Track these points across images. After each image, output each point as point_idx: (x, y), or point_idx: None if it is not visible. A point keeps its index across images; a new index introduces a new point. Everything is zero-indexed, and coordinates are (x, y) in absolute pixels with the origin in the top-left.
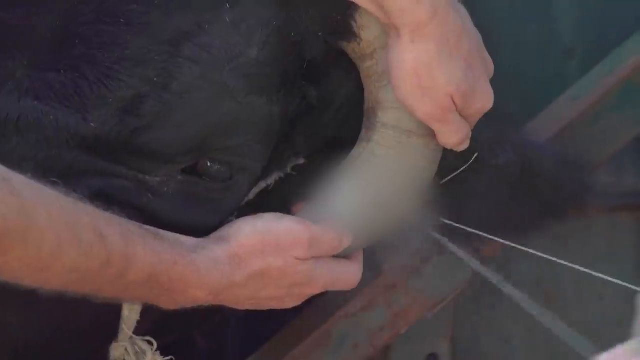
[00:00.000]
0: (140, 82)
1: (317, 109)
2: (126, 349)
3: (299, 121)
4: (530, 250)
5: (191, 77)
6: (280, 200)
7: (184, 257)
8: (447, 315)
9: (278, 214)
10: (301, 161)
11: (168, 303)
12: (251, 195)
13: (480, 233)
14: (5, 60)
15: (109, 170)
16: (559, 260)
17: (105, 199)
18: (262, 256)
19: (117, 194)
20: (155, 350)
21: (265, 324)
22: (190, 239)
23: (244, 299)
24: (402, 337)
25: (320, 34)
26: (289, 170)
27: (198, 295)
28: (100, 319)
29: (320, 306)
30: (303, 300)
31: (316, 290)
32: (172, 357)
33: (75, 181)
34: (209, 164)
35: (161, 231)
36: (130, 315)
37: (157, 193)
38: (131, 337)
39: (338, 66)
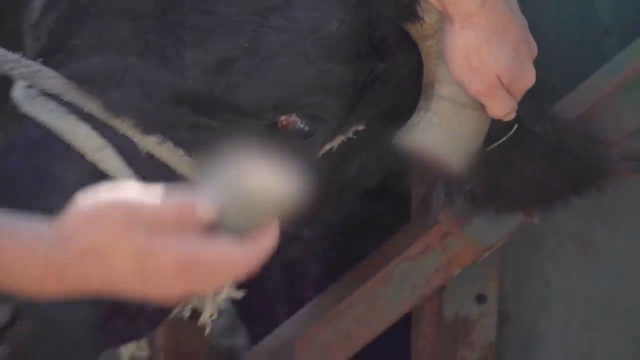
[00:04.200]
0: (232, 46)
1: (381, 80)
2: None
3: (365, 90)
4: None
5: (277, 45)
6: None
7: (13, 234)
8: (494, 260)
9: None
10: (361, 127)
11: (25, 284)
12: (318, 154)
13: None
14: (113, 22)
15: (200, 123)
16: None
17: (197, 149)
18: (89, 228)
19: (209, 144)
20: (231, 284)
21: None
22: (38, 221)
23: (93, 280)
24: (455, 278)
25: (389, 15)
26: (350, 134)
27: (34, 273)
28: None
29: (383, 250)
30: (175, 287)
31: (167, 266)
32: (247, 291)
33: (170, 133)
34: (291, 120)
35: (5, 211)
36: None
37: (245, 145)
38: None
39: (402, 44)
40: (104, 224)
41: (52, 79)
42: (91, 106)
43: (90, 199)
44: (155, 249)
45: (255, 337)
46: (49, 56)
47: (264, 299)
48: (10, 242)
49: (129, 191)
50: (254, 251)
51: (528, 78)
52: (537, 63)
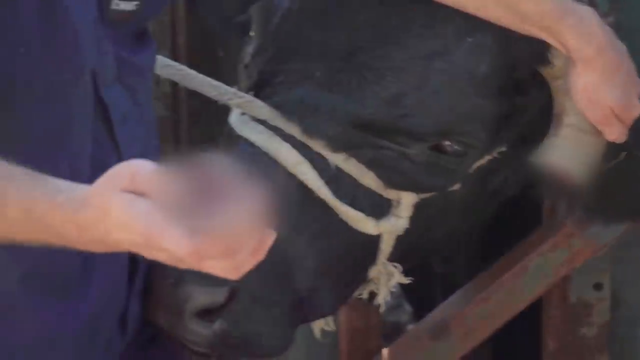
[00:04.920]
0: (404, 84)
1: (519, 111)
2: (380, 271)
3: (507, 119)
4: None
5: (439, 83)
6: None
7: (48, 193)
8: (609, 255)
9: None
10: (504, 148)
11: (65, 241)
12: (471, 170)
13: None
14: (309, 63)
15: (378, 144)
16: None
17: (376, 164)
18: (101, 192)
19: (386, 161)
20: (401, 272)
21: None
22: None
23: (102, 239)
24: (577, 270)
25: (526, 59)
26: (495, 154)
27: (70, 231)
28: (362, 251)
29: (520, 248)
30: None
31: (134, 230)
32: (412, 279)
33: (354, 152)
34: (449, 144)
35: (49, 177)
36: (384, 247)
37: (413, 161)
38: (384, 262)
39: (536, 82)
40: (113, 194)
41: (261, 108)
42: (291, 130)
43: (109, 173)
44: (131, 213)
45: (417, 316)
46: (258, 90)
47: (425, 284)
48: (50, 206)
49: (143, 169)
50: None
51: (635, 109)
52: None
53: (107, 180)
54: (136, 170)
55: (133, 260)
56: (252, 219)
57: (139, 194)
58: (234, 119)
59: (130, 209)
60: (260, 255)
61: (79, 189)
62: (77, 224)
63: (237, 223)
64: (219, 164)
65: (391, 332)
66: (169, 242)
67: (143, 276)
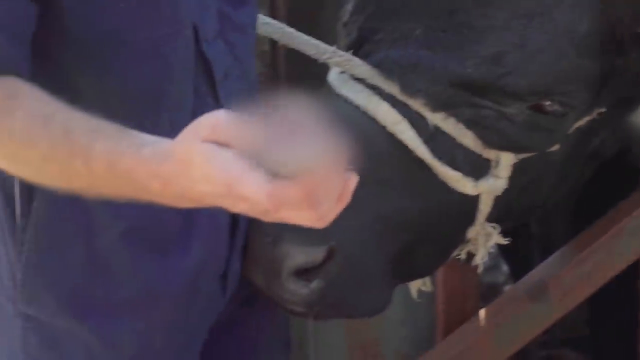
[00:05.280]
0: (504, 43)
1: (619, 72)
2: (478, 231)
3: (606, 81)
4: None
5: (540, 42)
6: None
7: (133, 146)
8: None
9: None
10: (603, 109)
11: (150, 196)
12: (570, 130)
13: None
14: (410, 22)
15: (477, 103)
16: None
17: (475, 124)
18: (183, 144)
19: (484, 120)
20: (499, 233)
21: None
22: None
23: (184, 193)
24: None
25: (627, 21)
26: (594, 115)
27: (154, 185)
28: (460, 212)
29: (616, 210)
30: (232, 196)
31: (216, 180)
32: (510, 239)
33: (453, 111)
34: (549, 103)
35: (135, 132)
36: (483, 208)
37: (512, 120)
38: (482, 223)
39: (636, 44)
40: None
41: (360, 67)
42: (390, 88)
43: (191, 125)
44: (209, 161)
45: (514, 277)
46: (357, 48)
47: (523, 245)
48: (135, 160)
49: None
50: (277, 195)
51: None
52: None
53: (189, 132)
54: (217, 120)
55: (234, 218)
56: (333, 163)
57: (222, 144)
58: (333, 77)
59: (211, 159)
60: (344, 202)
61: (164, 143)
62: (161, 178)
63: (317, 167)
64: (302, 111)
65: (488, 293)
66: (249, 188)
67: (244, 234)
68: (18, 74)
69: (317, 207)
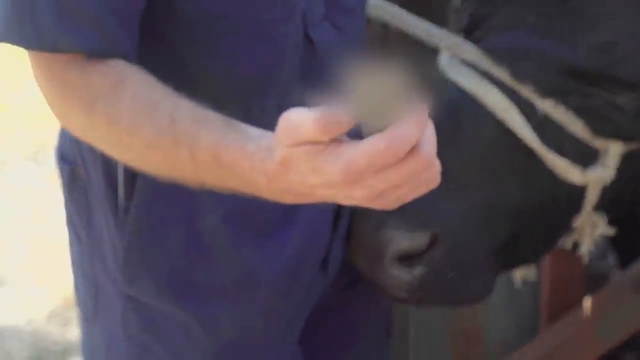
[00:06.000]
0: (616, 32)
1: None
2: (585, 221)
3: None
4: None
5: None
6: None
7: (239, 140)
8: None
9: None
10: None
11: (254, 190)
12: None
13: None
14: (522, 9)
15: (588, 92)
16: None
17: (584, 112)
18: (281, 142)
19: (594, 109)
20: (606, 223)
21: None
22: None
23: (290, 188)
24: None
25: None
26: None
27: (259, 180)
28: (567, 200)
29: None
30: (343, 192)
31: (299, 178)
32: (617, 229)
33: (563, 98)
34: None
35: (241, 124)
36: (590, 197)
37: (622, 110)
38: (589, 212)
39: None
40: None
41: (470, 51)
42: (501, 74)
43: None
44: (320, 167)
45: (621, 267)
46: (468, 34)
47: (630, 235)
48: (239, 153)
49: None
50: (400, 137)
51: None
52: None
53: (283, 136)
54: (306, 121)
55: (338, 205)
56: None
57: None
58: (443, 61)
59: (314, 157)
60: (434, 182)
61: (268, 139)
62: (266, 174)
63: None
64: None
65: (594, 283)
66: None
67: (347, 221)
68: (125, 56)
69: (395, 188)
